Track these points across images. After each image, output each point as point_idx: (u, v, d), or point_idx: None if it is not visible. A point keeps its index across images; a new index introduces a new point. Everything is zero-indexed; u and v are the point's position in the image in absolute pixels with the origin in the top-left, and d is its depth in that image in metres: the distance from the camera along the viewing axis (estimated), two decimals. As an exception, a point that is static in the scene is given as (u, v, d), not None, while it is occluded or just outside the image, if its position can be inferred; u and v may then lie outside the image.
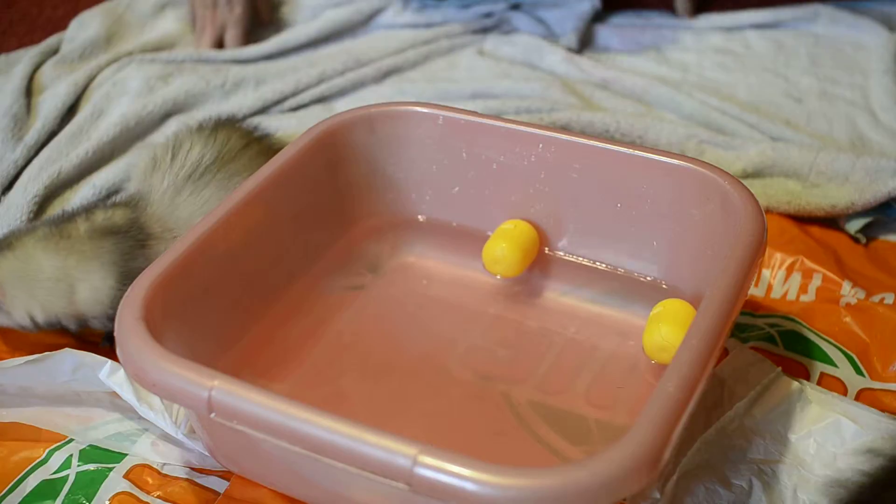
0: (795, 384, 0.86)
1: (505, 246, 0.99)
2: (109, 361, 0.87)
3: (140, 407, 0.86)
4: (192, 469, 0.85)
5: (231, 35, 1.48)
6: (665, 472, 0.80)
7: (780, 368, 0.88)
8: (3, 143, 1.22)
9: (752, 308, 1.01)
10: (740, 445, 0.82)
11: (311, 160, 0.98)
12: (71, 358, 0.89)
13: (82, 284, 0.91)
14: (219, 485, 0.83)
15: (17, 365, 0.89)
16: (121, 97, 1.32)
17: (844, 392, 0.90)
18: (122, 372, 0.86)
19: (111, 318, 0.83)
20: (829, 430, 0.82)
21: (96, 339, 0.98)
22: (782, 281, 1.05)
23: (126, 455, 0.85)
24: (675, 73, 1.43)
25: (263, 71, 1.40)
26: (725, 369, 0.88)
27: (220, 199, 0.95)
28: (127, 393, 0.86)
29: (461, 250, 1.04)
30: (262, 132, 1.11)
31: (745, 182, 0.92)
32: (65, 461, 0.85)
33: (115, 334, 0.76)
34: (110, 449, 0.86)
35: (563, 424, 0.85)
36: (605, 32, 1.54)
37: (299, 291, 0.97)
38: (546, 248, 1.03)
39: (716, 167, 0.92)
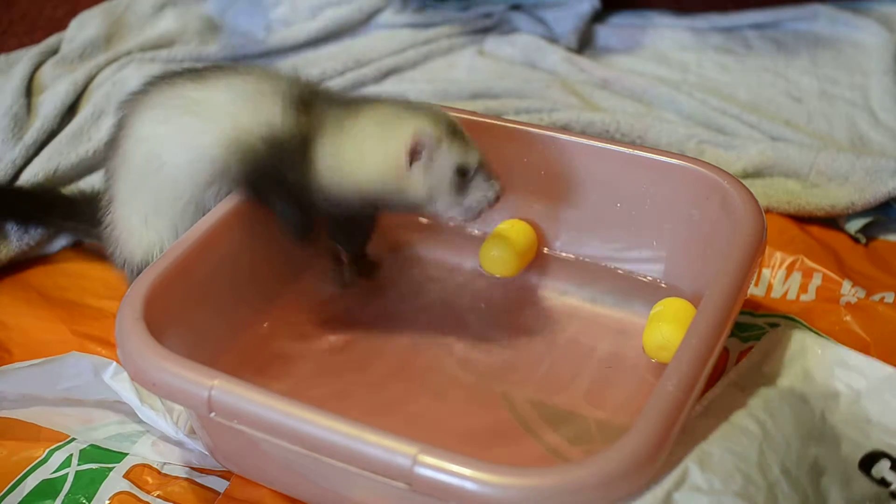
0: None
1: (501, 246, 0.99)
2: (114, 363, 0.87)
3: (141, 408, 0.86)
4: (193, 469, 0.85)
5: None
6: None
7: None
8: (3, 142, 1.22)
9: (753, 307, 1.01)
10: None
11: (311, 160, 0.97)
12: (76, 361, 0.89)
13: None
14: (219, 484, 0.83)
15: (23, 367, 0.89)
16: (121, 97, 1.32)
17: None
18: (125, 373, 0.86)
19: None
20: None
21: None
22: (782, 280, 1.05)
23: (126, 455, 0.85)
24: (675, 73, 1.43)
25: (263, 71, 1.40)
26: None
27: None
28: (129, 394, 0.86)
29: (461, 250, 1.04)
30: None
31: (745, 182, 0.92)
32: (64, 460, 0.85)
33: (116, 334, 0.76)
34: (110, 449, 0.86)
35: (563, 424, 0.85)
36: (605, 32, 1.54)
37: (299, 291, 0.97)
38: (546, 248, 1.03)
39: (716, 167, 0.92)
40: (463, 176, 0.86)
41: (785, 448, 0.72)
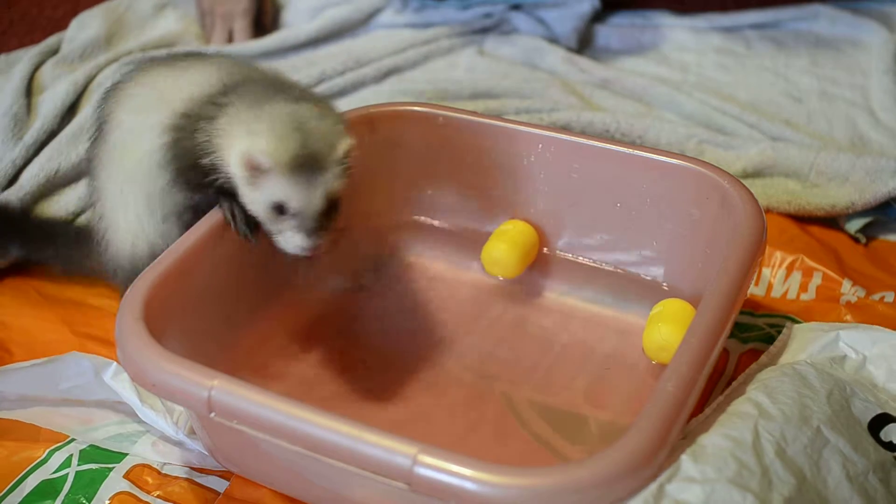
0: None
1: (503, 247, 0.99)
2: (114, 363, 0.87)
3: (142, 408, 0.86)
4: (192, 469, 0.85)
5: (239, 26, 1.49)
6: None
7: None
8: (3, 142, 1.22)
9: (753, 307, 1.01)
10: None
11: (311, 160, 0.97)
12: (77, 361, 0.89)
13: None
14: (219, 484, 0.83)
15: (23, 368, 0.89)
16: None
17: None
18: (126, 374, 0.86)
19: None
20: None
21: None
22: (782, 280, 1.05)
23: (126, 455, 0.85)
24: (675, 73, 1.43)
25: (263, 71, 1.40)
26: None
27: None
28: (129, 394, 0.86)
29: (461, 251, 1.04)
30: None
31: (745, 182, 0.92)
32: (64, 461, 0.85)
33: (116, 334, 0.76)
34: (110, 449, 0.86)
35: (563, 424, 0.85)
36: (605, 32, 1.54)
37: (299, 291, 0.97)
38: (546, 248, 1.03)
39: (715, 167, 0.92)
40: (280, 213, 0.80)
41: (782, 424, 0.71)
